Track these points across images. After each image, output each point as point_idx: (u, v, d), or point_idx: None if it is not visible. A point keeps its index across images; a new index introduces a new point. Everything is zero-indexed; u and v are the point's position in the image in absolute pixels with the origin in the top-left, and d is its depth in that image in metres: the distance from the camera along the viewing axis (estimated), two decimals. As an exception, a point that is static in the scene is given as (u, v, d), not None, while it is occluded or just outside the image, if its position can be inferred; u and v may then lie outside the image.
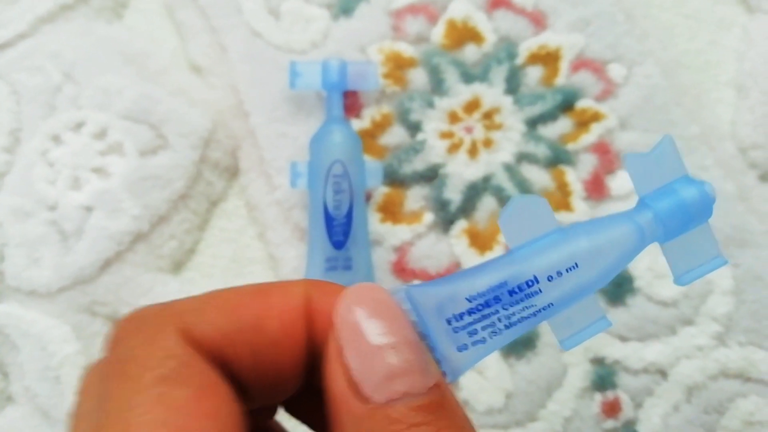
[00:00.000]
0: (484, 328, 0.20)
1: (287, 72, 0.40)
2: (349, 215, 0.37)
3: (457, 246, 0.39)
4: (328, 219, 0.38)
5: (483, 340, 0.20)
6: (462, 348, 0.19)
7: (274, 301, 0.17)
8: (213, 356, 0.16)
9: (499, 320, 0.20)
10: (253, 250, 0.41)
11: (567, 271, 0.20)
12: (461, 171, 0.40)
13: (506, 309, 0.20)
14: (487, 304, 0.20)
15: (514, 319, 0.20)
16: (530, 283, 0.20)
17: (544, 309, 0.20)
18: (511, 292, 0.20)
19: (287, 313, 0.17)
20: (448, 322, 0.19)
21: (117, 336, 0.16)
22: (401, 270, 0.39)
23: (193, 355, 0.16)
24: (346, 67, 0.40)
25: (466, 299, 0.19)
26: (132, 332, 0.16)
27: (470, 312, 0.20)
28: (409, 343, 0.15)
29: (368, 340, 0.15)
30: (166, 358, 0.15)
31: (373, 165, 0.39)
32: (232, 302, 0.17)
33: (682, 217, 0.20)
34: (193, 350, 0.16)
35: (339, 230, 0.38)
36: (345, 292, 0.16)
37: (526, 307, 0.20)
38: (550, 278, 0.20)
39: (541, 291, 0.20)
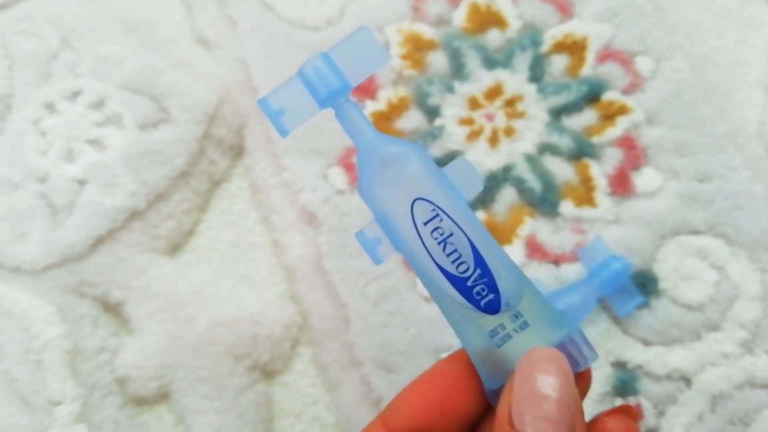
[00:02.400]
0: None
1: (303, 52, 0.38)
2: (479, 261, 0.22)
3: (474, 238, 0.37)
4: (458, 284, 0.23)
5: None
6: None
7: (442, 378, 0.23)
8: None
9: None
10: (256, 234, 0.39)
11: None
12: (481, 160, 0.38)
13: None
14: None
15: None
16: None
17: None
18: None
19: (453, 384, 0.23)
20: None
21: None
22: (414, 261, 0.37)
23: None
24: (331, 60, 0.23)
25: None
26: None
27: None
28: (564, 403, 0.20)
29: (539, 388, 0.20)
30: None
31: (459, 166, 0.23)
32: (414, 394, 0.23)
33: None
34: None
35: (481, 290, 0.23)
36: (537, 351, 0.21)
37: None
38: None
39: None
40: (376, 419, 0.23)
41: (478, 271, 0.22)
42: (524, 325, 0.22)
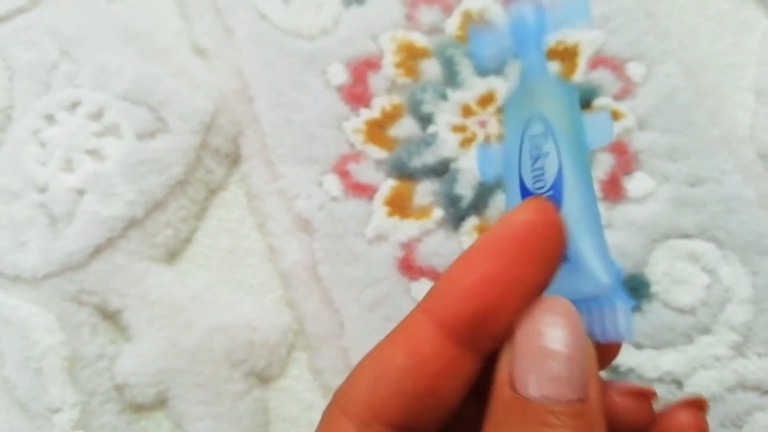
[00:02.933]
0: None
1: (299, 61, 0.39)
2: (557, 185, 0.22)
3: (467, 244, 0.38)
4: (525, 194, 0.23)
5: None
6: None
7: (404, 348, 0.19)
8: (365, 421, 0.19)
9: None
10: (252, 241, 0.39)
11: None
12: (474, 166, 0.39)
13: None
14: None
15: None
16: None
17: None
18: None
19: (420, 355, 0.19)
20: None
21: None
22: (408, 267, 0.37)
23: (426, 325, 0.19)
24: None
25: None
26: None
27: None
28: (576, 360, 0.17)
29: (546, 343, 0.17)
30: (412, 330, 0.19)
31: (599, 118, 0.23)
32: (371, 368, 0.19)
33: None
34: (431, 323, 0.19)
35: None
36: (543, 300, 0.18)
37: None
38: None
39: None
40: (419, 311, 0.19)
41: (551, 192, 0.21)
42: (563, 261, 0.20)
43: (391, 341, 0.19)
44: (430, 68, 0.40)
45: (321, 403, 0.36)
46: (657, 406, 0.22)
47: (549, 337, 0.17)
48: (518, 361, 0.17)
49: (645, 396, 0.22)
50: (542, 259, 0.18)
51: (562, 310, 0.18)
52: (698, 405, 0.21)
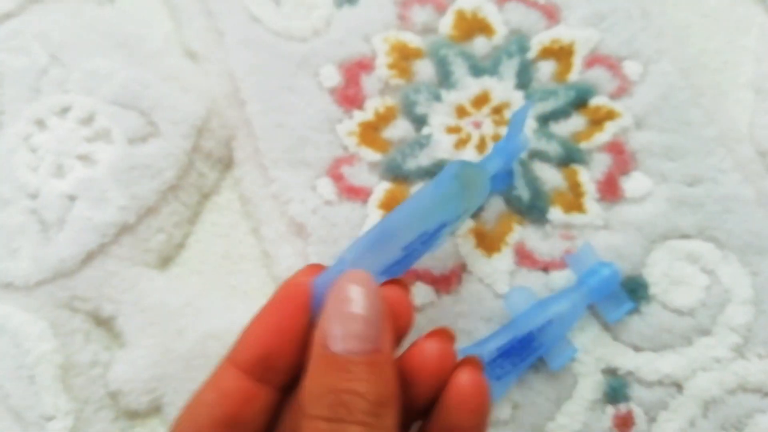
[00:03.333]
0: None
1: (290, 63, 0.38)
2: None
3: (463, 246, 0.37)
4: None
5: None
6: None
7: (281, 303, 0.26)
8: (245, 368, 0.25)
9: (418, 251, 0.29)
10: (246, 246, 0.39)
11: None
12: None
13: (421, 244, 0.28)
14: (412, 246, 0.28)
15: (429, 245, 0.29)
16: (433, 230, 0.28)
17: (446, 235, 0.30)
18: (421, 237, 0.28)
19: (224, 390, 0.25)
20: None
21: None
22: (403, 270, 0.37)
23: (230, 369, 0.26)
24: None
25: (401, 249, 0.27)
26: None
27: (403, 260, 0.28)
28: (369, 320, 0.22)
29: (348, 307, 0.22)
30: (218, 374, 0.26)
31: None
32: (255, 324, 0.26)
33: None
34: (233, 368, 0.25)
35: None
36: (347, 273, 0.24)
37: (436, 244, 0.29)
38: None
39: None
40: (224, 360, 0.25)
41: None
42: None
43: (205, 383, 0.26)
44: (424, 69, 0.40)
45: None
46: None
47: (350, 302, 0.22)
48: (328, 324, 0.22)
49: (444, 335, 0.26)
50: (300, 313, 0.25)
51: (360, 280, 0.23)
52: (441, 334, 0.26)
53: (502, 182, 0.38)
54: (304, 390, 0.23)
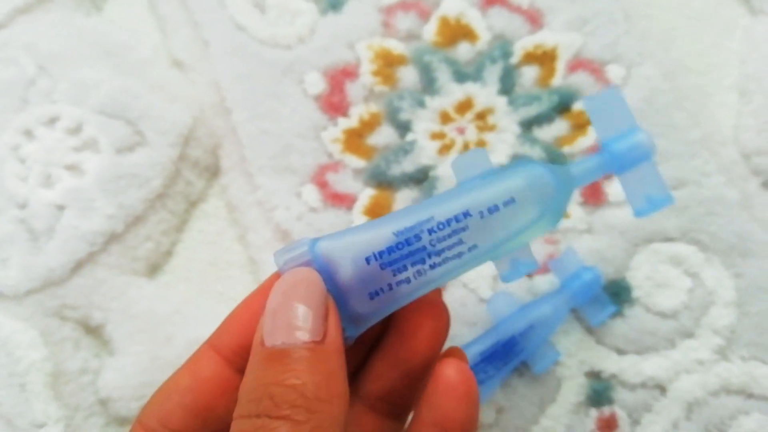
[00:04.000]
0: (412, 265, 0.22)
1: (275, 71, 0.39)
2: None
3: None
4: None
5: (408, 281, 0.22)
6: (377, 293, 0.22)
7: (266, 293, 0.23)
8: (226, 354, 0.24)
9: (428, 257, 0.22)
10: (233, 253, 0.39)
11: (503, 205, 0.22)
12: (452, 173, 0.38)
13: (433, 245, 0.22)
14: (416, 237, 0.22)
15: (441, 257, 0.22)
16: (459, 218, 0.22)
17: (470, 249, 0.22)
18: (441, 226, 0.22)
19: (200, 376, 0.23)
20: (374, 258, 0.22)
21: None
22: (388, 276, 0.37)
23: (209, 354, 0.24)
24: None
25: (393, 234, 0.22)
26: None
27: (398, 246, 0.22)
28: (308, 312, 0.21)
29: (287, 300, 0.21)
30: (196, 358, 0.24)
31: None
32: (239, 312, 0.24)
33: (631, 154, 0.24)
34: (214, 353, 0.24)
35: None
36: (291, 270, 0.22)
37: (455, 244, 0.22)
38: (482, 214, 0.22)
39: (468, 228, 0.22)
40: (204, 344, 0.24)
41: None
42: None
43: (182, 367, 0.24)
44: (408, 75, 0.40)
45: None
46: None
47: (290, 296, 0.21)
48: (266, 321, 0.21)
49: (458, 355, 0.25)
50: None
51: (300, 275, 0.21)
52: (456, 354, 0.25)
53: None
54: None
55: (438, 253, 0.22)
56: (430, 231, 0.22)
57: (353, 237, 0.22)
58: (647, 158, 0.24)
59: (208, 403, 0.23)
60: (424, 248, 0.22)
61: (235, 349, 0.23)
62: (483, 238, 0.22)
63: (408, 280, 0.22)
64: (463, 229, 0.22)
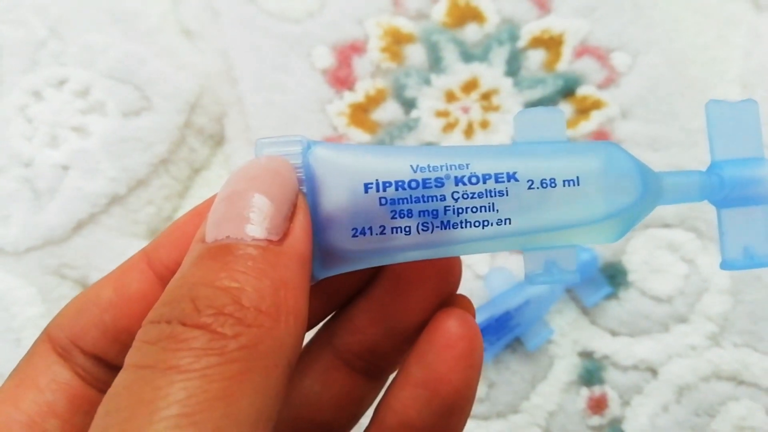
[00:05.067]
0: (420, 214, 0.17)
1: (284, 43, 0.39)
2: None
3: (445, 227, 0.38)
4: None
5: (407, 231, 0.17)
6: (363, 231, 0.17)
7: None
8: (66, 347, 0.19)
9: (443, 212, 0.17)
10: (234, 221, 0.40)
11: (562, 183, 0.17)
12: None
13: (456, 200, 0.17)
14: (438, 182, 0.17)
15: (460, 218, 0.17)
16: (500, 178, 0.17)
17: (500, 222, 0.17)
18: (474, 179, 0.17)
19: (126, 292, 0.19)
20: (375, 188, 0.17)
21: None
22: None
23: (141, 267, 0.19)
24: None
25: (411, 167, 0.17)
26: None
27: (411, 184, 0.17)
28: (267, 205, 0.16)
29: (235, 190, 0.16)
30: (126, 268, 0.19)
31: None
32: (180, 224, 0.19)
33: (748, 190, 0.18)
34: (146, 267, 0.19)
35: None
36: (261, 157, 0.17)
37: (484, 208, 0.17)
38: (531, 183, 0.17)
39: (507, 194, 0.17)
40: (139, 252, 0.19)
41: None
42: None
43: (108, 276, 0.19)
44: (415, 54, 0.41)
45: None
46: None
47: (248, 184, 0.16)
48: (212, 212, 0.16)
49: (464, 305, 0.20)
50: None
51: (267, 163, 0.17)
52: (461, 302, 0.20)
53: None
54: None
55: (458, 212, 0.17)
56: (458, 180, 0.17)
57: (359, 155, 0.17)
58: (766, 202, 0.18)
59: (130, 325, 0.18)
60: (443, 197, 0.17)
61: (172, 266, 0.18)
62: (522, 215, 0.17)
63: (407, 230, 0.17)
64: (501, 194, 0.17)
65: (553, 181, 0.17)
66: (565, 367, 0.36)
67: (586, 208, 0.17)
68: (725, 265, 0.19)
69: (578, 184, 0.17)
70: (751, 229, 0.18)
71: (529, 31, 0.41)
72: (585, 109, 0.40)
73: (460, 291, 0.20)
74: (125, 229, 0.39)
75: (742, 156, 0.18)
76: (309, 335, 0.21)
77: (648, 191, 0.18)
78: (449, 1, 0.42)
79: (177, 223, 0.19)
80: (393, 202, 0.17)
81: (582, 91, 0.40)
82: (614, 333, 0.36)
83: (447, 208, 0.17)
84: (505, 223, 0.17)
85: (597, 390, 0.36)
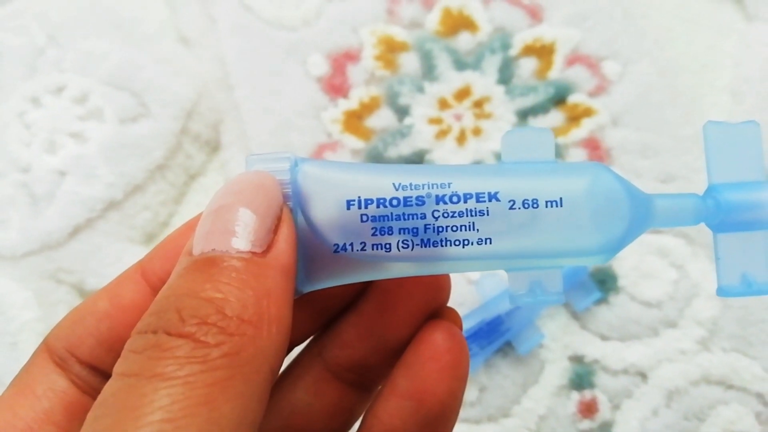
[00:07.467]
0: (400, 231, 0.17)
1: (280, 51, 0.39)
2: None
3: (438, 233, 0.38)
4: None
5: (387, 248, 0.17)
6: (344, 247, 0.17)
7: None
8: (63, 356, 0.19)
9: (423, 230, 0.17)
10: (229, 226, 0.40)
11: (545, 204, 0.17)
12: (448, 157, 0.39)
13: (436, 218, 0.17)
14: (420, 200, 0.17)
15: (440, 237, 0.17)
16: (482, 198, 0.17)
17: (480, 242, 0.17)
18: (455, 198, 0.17)
19: (120, 303, 0.19)
20: (356, 204, 0.17)
21: None
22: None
23: (135, 279, 0.20)
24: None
25: (393, 185, 0.17)
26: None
27: (393, 202, 0.17)
28: (250, 218, 0.16)
29: (221, 204, 0.16)
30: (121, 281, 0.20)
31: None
32: (174, 237, 0.20)
33: (747, 215, 0.18)
34: (140, 279, 0.20)
35: None
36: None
37: (464, 227, 0.17)
38: (512, 204, 0.17)
39: (488, 214, 0.17)
40: (134, 265, 0.20)
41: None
42: None
43: (104, 289, 0.20)
44: (409, 61, 0.41)
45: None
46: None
47: (234, 199, 0.16)
48: (200, 226, 0.16)
49: (451, 317, 0.21)
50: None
51: (252, 177, 0.17)
52: (449, 315, 0.21)
53: None
54: None
55: (438, 230, 0.17)
56: (439, 199, 0.17)
57: (343, 172, 0.18)
58: (766, 227, 0.18)
59: (124, 335, 0.18)
60: (423, 215, 0.17)
61: (165, 278, 0.18)
62: (502, 236, 0.17)
63: (387, 247, 0.17)
64: (482, 213, 0.17)
65: (535, 201, 0.17)
66: (555, 371, 0.36)
67: (570, 230, 0.17)
68: (721, 292, 0.18)
69: (561, 206, 0.17)
70: (749, 255, 0.18)
71: (521, 39, 0.42)
72: (576, 116, 0.40)
73: (452, 295, 0.21)
74: (122, 234, 0.39)
75: (741, 179, 0.18)
76: (300, 348, 0.22)
77: (637, 215, 0.17)
78: (442, 10, 0.42)
79: (170, 236, 0.20)
80: (374, 219, 0.17)
81: (573, 98, 0.41)
82: (604, 337, 0.37)
83: (427, 227, 0.17)
84: (485, 243, 0.17)
85: (587, 394, 0.36)
